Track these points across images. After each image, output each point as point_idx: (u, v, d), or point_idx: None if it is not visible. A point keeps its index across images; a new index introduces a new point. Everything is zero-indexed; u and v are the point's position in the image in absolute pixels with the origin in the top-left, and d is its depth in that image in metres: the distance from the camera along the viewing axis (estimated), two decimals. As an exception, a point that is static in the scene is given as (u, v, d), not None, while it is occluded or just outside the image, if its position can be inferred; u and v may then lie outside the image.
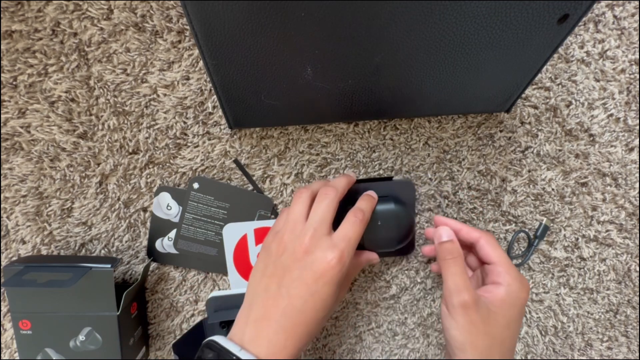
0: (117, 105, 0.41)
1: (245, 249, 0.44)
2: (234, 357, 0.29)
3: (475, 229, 0.39)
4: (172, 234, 0.44)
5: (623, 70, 0.43)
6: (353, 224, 0.34)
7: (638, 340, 0.48)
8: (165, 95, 0.41)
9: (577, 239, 0.46)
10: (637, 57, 0.43)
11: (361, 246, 0.40)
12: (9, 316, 0.44)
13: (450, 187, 0.45)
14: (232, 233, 0.43)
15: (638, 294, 0.47)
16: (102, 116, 0.41)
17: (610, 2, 0.42)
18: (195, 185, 0.42)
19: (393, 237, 0.41)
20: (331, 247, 0.32)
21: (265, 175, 0.44)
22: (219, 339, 0.31)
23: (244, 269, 0.45)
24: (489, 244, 0.37)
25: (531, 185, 0.45)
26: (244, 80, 0.34)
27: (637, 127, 0.44)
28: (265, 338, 0.30)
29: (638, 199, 0.45)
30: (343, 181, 0.37)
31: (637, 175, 0.45)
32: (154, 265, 0.45)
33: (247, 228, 0.44)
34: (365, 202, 0.38)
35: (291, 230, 0.33)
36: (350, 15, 0.28)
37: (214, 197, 0.43)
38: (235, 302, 0.44)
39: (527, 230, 0.46)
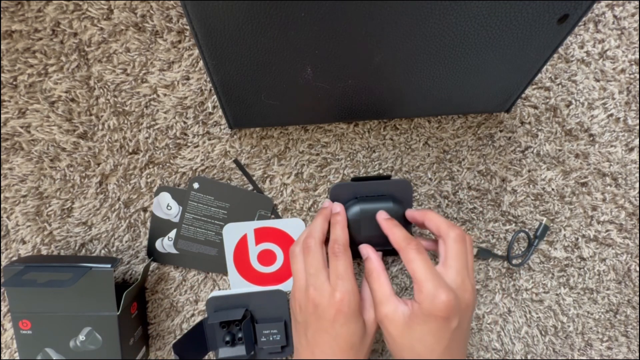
0: (117, 105, 0.41)
1: (245, 248, 0.44)
2: None
3: (438, 219, 0.37)
4: (172, 234, 0.44)
5: (623, 70, 0.43)
6: (335, 261, 0.36)
7: (638, 340, 0.48)
8: (165, 95, 0.41)
9: (577, 239, 0.46)
10: (637, 57, 0.43)
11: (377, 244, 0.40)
12: (9, 316, 0.44)
13: (450, 187, 0.45)
14: (232, 233, 0.44)
15: (638, 294, 0.47)
16: (102, 116, 0.41)
17: (610, 2, 0.42)
18: (195, 185, 0.42)
19: None
20: (332, 292, 0.34)
21: (265, 175, 0.44)
22: None
23: (244, 268, 0.45)
24: (407, 259, 0.35)
25: (531, 185, 0.45)
26: (244, 80, 0.34)
27: (637, 127, 0.44)
28: None
29: (638, 199, 0.45)
30: (319, 222, 0.39)
31: (637, 175, 0.45)
32: (154, 265, 0.45)
33: (247, 228, 0.44)
34: (335, 229, 0.38)
35: (299, 290, 0.37)
36: (350, 15, 0.28)
37: (214, 197, 0.43)
38: (235, 302, 0.44)
39: (527, 230, 0.46)
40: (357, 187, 0.41)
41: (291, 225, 0.44)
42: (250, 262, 0.45)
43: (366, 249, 0.38)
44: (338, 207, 0.40)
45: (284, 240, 0.44)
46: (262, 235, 0.44)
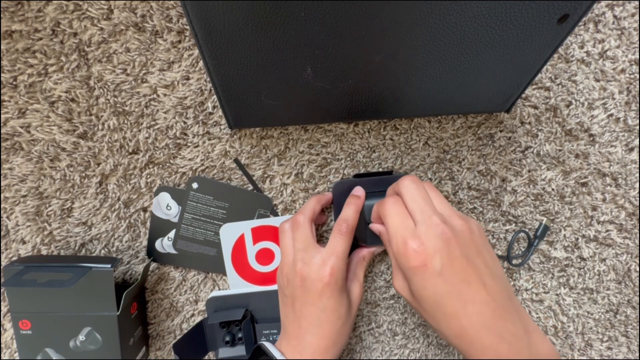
0: (117, 105, 0.41)
1: (243, 248, 0.44)
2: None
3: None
4: (172, 234, 0.44)
5: (623, 70, 0.43)
6: (338, 238, 0.37)
7: (638, 340, 0.48)
8: (165, 95, 0.41)
9: (577, 239, 0.46)
10: (637, 57, 0.43)
11: (363, 242, 0.40)
12: (9, 316, 0.44)
13: (450, 187, 0.45)
14: (230, 233, 0.43)
15: (638, 294, 0.47)
16: (102, 116, 0.41)
17: (610, 2, 0.42)
18: (194, 185, 0.42)
19: None
20: (322, 265, 0.35)
21: (265, 175, 0.44)
22: (267, 344, 0.37)
23: (243, 268, 0.45)
24: (383, 217, 0.34)
25: (531, 185, 0.45)
26: (244, 80, 0.34)
27: (637, 127, 0.44)
28: (297, 353, 0.35)
29: (638, 199, 0.45)
30: (312, 202, 0.40)
31: (637, 175, 0.45)
32: (154, 265, 0.45)
33: (244, 227, 0.44)
34: (348, 209, 0.38)
35: (287, 264, 0.38)
36: (350, 15, 0.28)
37: (213, 197, 0.43)
38: (235, 302, 0.44)
39: (527, 230, 0.46)
40: (359, 183, 0.41)
41: None
42: (249, 261, 0.44)
43: (378, 226, 0.37)
44: (360, 191, 0.40)
45: None
46: (259, 234, 0.44)
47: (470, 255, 0.30)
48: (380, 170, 0.44)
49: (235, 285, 0.45)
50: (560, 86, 0.43)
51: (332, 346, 0.36)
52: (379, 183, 0.41)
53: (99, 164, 0.42)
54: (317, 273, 0.35)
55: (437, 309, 0.30)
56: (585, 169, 0.45)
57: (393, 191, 0.36)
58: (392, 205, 0.33)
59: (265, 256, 0.45)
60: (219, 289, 0.45)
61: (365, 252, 0.41)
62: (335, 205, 0.42)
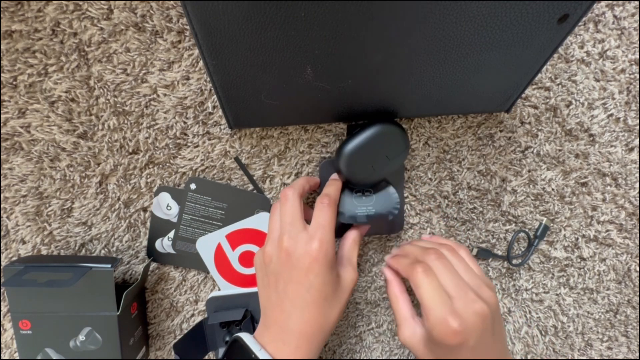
0: (117, 105, 0.41)
1: (224, 256, 0.44)
2: (253, 357, 0.32)
3: (403, 267, 0.36)
4: (172, 234, 0.44)
5: (623, 70, 0.43)
6: (321, 210, 0.35)
7: (638, 340, 0.48)
8: (165, 95, 0.41)
9: (577, 239, 0.46)
10: (637, 57, 0.43)
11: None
12: (9, 316, 0.44)
13: (450, 187, 0.45)
14: (206, 245, 0.43)
15: (638, 294, 0.47)
16: (102, 116, 0.41)
17: (610, 2, 0.42)
18: (193, 186, 0.42)
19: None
20: (309, 240, 0.33)
21: (266, 175, 0.44)
22: (245, 336, 0.34)
23: (231, 276, 0.44)
24: (414, 285, 0.34)
25: (531, 185, 0.45)
26: (244, 80, 0.34)
27: (637, 127, 0.44)
28: (279, 341, 0.33)
29: (638, 199, 0.45)
30: (302, 180, 0.39)
31: (637, 175, 0.45)
32: (154, 265, 0.45)
33: (219, 237, 0.43)
34: (329, 187, 0.38)
35: (271, 240, 0.35)
36: (350, 15, 0.28)
37: (211, 198, 0.43)
38: (234, 302, 0.44)
39: (527, 230, 0.46)
40: (352, 132, 0.40)
41: (260, 221, 0.43)
42: (234, 268, 0.44)
43: (388, 272, 0.39)
44: (336, 175, 0.41)
45: (259, 238, 0.44)
46: (235, 239, 0.44)
47: (497, 327, 0.33)
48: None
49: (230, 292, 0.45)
50: (560, 86, 0.43)
51: (319, 332, 0.33)
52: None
53: (99, 164, 0.42)
54: (305, 248, 0.33)
55: None
56: (585, 169, 0.45)
57: (413, 258, 0.36)
58: (425, 276, 0.32)
59: (248, 258, 0.44)
60: (219, 289, 0.45)
61: (355, 235, 0.40)
62: (323, 185, 0.42)
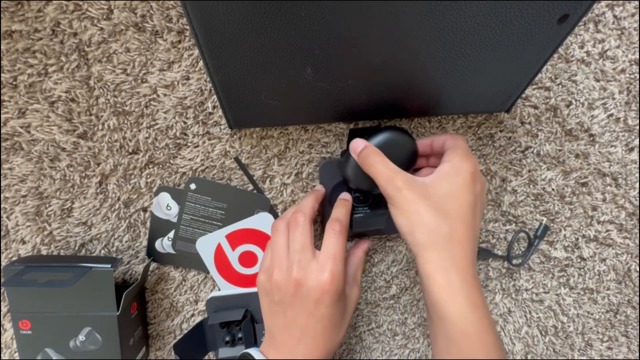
0: (117, 105, 0.41)
1: (224, 256, 0.44)
2: None
3: (443, 135, 0.37)
4: (172, 234, 0.44)
5: (623, 70, 0.43)
6: (333, 238, 0.35)
7: (638, 340, 0.48)
8: (165, 95, 0.41)
9: (577, 239, 0.46)
10: (637, 57, 0.43)
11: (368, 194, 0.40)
12: (9, 316, 0.44)
13: (450, 187, 0.45)
14: (206, 246, 0.43)
15: (638, 294, 0.47)
16: (102, 116, 0.41)
17: (610, 2, 0.42)
18: (192, 186, 0.42)
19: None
20: (320, 271, 0.33)
21: (266, 175, 0.44)
22: (254, 353, 0.34)
23: (231, 276, 0.44)
24: (452, 138, 0.35)
25: (531, 185, 0.45)
26: (244, 80, 0.34)
27: (637, 127, 0.44)
28: None
29: (638, 199, 0.45)
30: (310, 200, 0.38)
31: (637, 175, 0.45)
32: (154, 265, 0.45)
33: (219, 237, 0.43)
34: (339, 209, 0.38)
35: (279, 267, 0.34)
36: (350, 15, 0.28)
37: (211, 198, 0.43)
38: (235, 302, 0.44)
39: (527, 230, 0.46)
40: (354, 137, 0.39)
41: (260, 221, 0.43)
42: (234, 268, 0.44)
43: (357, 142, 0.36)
44: (348, 195, 0.40)
45: (259, 238, 0.44)
46: (235, 239, 0.44)
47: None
48: (372, 125, 0.43)
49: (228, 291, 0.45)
50: (560, 86, 0.43)
51: (327, 354, 0.34)
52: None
53: (99, 164, 0.42)
54: (316, 280, 0.33)
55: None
56: (585, 169, 0.45)
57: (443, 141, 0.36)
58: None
59: (248, 259, 0.44)
60: (219, 289, 0.45)
61: (361, 253, 0.40)
62: (324, 186, 0.42)
